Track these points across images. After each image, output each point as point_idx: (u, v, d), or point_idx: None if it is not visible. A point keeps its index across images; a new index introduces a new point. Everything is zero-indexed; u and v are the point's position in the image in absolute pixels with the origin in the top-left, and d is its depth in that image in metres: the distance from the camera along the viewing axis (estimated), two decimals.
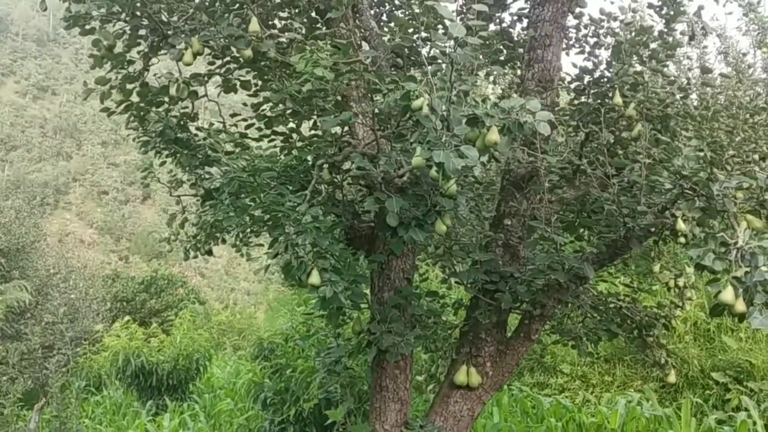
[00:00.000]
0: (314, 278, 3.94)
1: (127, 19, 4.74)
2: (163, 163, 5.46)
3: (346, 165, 4.89)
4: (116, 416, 13.26)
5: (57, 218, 62.09)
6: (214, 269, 58.57)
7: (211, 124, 5.25)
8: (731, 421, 8.17)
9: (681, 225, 4.18)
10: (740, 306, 3.35)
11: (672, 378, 5.63)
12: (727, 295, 3.35)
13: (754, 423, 7.77)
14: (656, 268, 5.61)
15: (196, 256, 5.88)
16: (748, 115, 5.44)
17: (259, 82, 5.34)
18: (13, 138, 70.45)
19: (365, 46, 5.06)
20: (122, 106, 5.10)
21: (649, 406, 8.82)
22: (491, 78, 6.32)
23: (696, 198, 4.17)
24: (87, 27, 4.72)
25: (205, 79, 5.10)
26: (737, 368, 9.04)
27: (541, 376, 10.88)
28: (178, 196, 5.78)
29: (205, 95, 5.20)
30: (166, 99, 5.07)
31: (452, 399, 5.16)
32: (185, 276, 33.88)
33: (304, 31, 4.81)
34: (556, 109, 5.20)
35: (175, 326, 14.85)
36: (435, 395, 5.42)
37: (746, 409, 8.09)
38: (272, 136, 5.43)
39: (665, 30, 4.98)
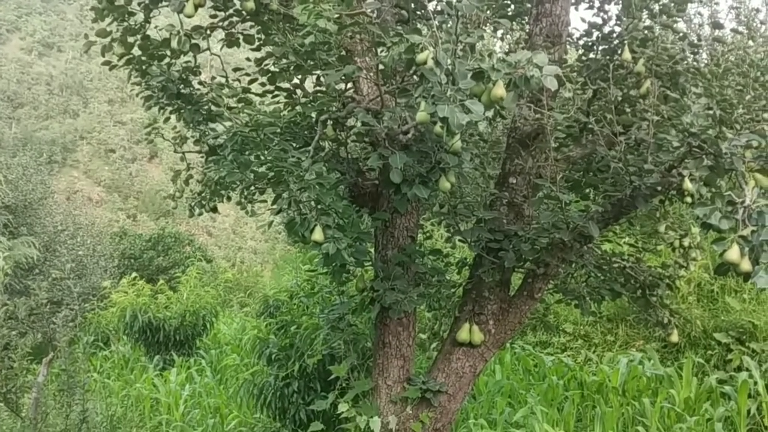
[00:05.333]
0: (317, 235, 3.93)
1: None
2: (167, 120, 5.41)
3: (351, 121, 4.83)
4: (124, 371, 13.46)
5: (65, 176, 62.23)
6: (221, 228, 58.83)
7: (213, 78, 5.19)
8: (732, 381, 8.22)
9: (688, 184, 4.13)
10: (746, 265, 3.32)
11: (675, 338, 5.64)
12: (733, 254, 3.32)
13: (755, 383, 7.81)
14: (662, 228, 5.57)
15: (201, 213, 5.87)
16: (759, 73, 5.34)
17: (263, 37, 5.27)
18: (20, 95, 70.20)
19: None
20: (123, 60, 5.04)
21: (651, 365, 8.87)
22: (499, 33, 6.21)
23: (704, 156, 4.11)
24: None
25: (207, 32, 5.03)
26: (740, 329, 9.06)
27: (544, 335, 10.95)
28: (183, 153, 5.74)
29: (208, 49, 5.12)
30: (168, 52, 5.01)
31: (455, 356, 5.19)
32: (192, 234, 34.05)
33: None
34: (564, 65, 5.11)
35: (182, 283, 14.96)
36: (438, 352, 5.45)
37: (747, 369, 8.12)
38: (276, 92, 5.37)
39: None
